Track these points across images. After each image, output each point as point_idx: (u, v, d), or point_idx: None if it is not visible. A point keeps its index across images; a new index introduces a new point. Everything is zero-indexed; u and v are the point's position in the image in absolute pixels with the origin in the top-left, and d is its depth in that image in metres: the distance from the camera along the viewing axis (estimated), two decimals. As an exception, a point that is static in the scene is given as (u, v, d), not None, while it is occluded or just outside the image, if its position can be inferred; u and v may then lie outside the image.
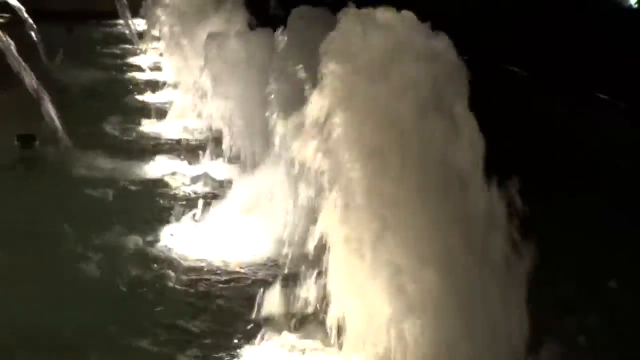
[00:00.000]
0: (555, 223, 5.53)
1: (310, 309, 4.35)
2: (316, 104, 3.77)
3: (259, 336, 4.27)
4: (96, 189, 6.83)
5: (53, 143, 7.58)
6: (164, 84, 11.09)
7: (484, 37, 11.34)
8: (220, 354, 4.23)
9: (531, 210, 3.59)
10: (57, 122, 7.62)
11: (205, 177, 7.22)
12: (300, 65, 4.81)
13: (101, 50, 15.31)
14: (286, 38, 5.69)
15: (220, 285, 5.09)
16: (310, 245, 3.93)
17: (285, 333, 4.30)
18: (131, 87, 11.63)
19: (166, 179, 7.28)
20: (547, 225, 4.77)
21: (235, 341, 4.33)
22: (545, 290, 4.07)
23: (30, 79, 7.61)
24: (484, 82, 4.05)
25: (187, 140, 8.69)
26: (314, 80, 3.87)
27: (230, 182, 6.75)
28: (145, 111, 9.81)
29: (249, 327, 4.43)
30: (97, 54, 14.72)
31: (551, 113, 8.93)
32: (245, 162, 7.04)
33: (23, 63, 7.57)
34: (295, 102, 4.22)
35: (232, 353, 4.23)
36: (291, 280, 4.55)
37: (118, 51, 15.33)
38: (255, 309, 4.48)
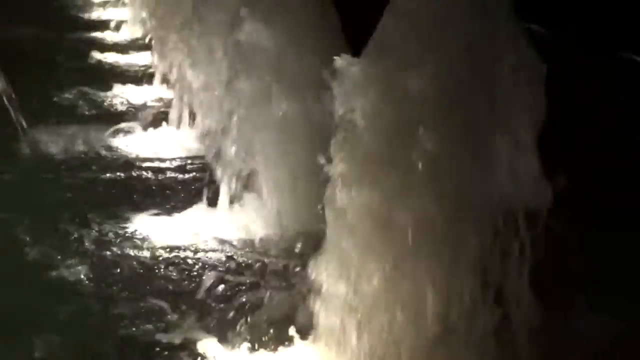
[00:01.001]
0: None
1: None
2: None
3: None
4: (54, 167, 6.38)
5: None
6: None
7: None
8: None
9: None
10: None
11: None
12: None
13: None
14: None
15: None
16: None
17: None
18: (91, 47, 10.54)
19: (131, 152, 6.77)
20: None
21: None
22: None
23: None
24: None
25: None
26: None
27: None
28: (108, 75, 9.00)
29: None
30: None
31: (580, 78, 8.25)
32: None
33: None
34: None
35: None
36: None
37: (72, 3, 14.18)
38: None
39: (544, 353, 3.44)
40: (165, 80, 8.16)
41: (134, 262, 4.82)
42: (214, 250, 4.95)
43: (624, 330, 3.79)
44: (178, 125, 7.11)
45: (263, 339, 3.90)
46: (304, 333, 3.76)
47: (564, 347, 3.57)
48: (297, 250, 4.57)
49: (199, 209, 5.43)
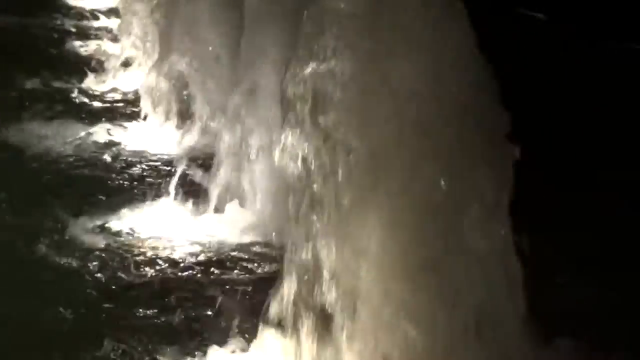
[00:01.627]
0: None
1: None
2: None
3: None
4: (31, 162, 6.17)
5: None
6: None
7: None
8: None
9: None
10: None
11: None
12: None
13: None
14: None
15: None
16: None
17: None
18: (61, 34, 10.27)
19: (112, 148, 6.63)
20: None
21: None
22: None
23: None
24: (498, 30, 3.45)
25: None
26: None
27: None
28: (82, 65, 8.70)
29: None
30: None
31: (579, 66, 8.22)
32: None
33: None
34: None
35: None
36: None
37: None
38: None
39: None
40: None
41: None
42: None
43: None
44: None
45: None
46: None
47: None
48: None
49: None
